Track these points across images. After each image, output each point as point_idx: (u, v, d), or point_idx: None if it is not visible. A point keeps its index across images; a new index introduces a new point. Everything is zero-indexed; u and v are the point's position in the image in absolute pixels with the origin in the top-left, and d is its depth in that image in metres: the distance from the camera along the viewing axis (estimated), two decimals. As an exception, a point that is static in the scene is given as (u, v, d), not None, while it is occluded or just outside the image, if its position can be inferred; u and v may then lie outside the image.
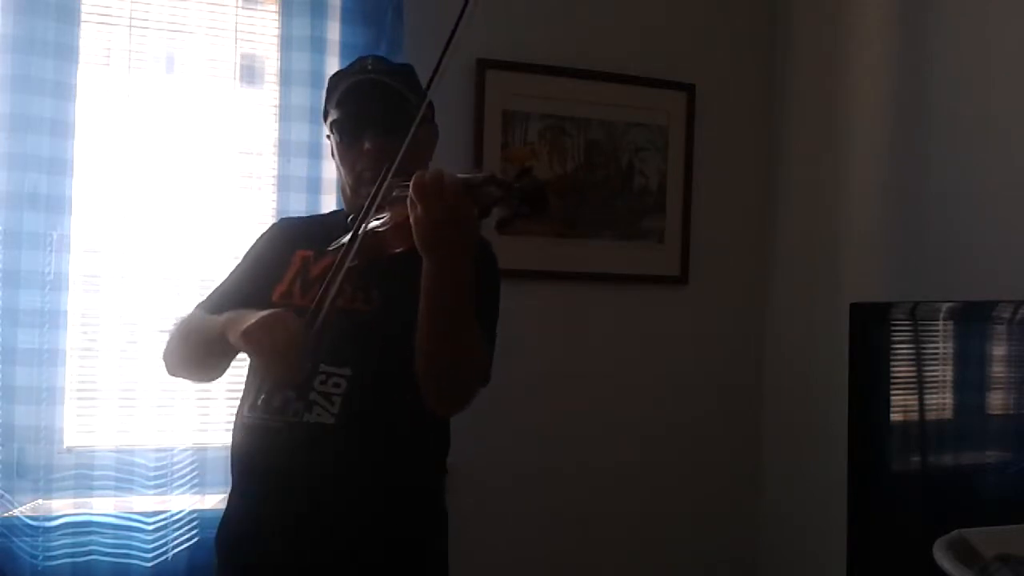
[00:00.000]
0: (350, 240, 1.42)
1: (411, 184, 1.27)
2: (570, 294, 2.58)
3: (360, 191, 1.56)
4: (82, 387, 2.16)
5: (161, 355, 1.67)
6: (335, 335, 1.47)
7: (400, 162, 1.41)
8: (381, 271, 1.46)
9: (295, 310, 1.47)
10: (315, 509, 1.48)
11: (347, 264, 1.41)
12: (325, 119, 1.66)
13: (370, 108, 1.57)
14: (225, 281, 1.72)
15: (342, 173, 1.64)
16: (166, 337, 1.68)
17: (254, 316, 1.40)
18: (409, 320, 1.36)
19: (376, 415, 1.49)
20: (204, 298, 1.72)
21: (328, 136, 1.67)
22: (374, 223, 1.43)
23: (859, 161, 2.42)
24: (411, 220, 1.27)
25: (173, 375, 1.69)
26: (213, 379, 1.68)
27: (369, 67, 1.64)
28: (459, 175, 1.27)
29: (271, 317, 1.39)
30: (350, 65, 1.73)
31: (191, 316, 1.66)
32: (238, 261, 1.74)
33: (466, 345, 1.39)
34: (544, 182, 1.25)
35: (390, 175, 1.41)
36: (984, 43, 2.06)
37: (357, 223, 1.44)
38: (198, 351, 1.59)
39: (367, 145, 1.56)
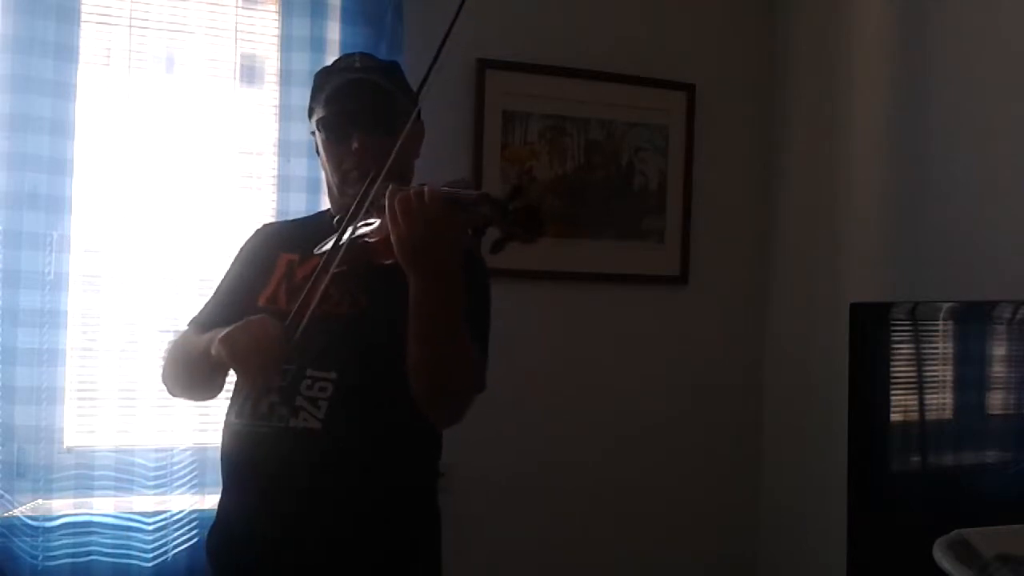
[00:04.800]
0: (337, 245, 1.41)
1: (393, 201, 1.25)
2: (570, 294, 2.58)
3: (346, 190, 1.55)
4: (82, 387, 2.16)
5: (160, 378, 1.68)
6: (321, 339, 1.47)
7: (390, 165, 1.40)
8: (368, 275, 1.45)
9: (279, 315, 1.46)
10: (304, 514, 1.47)
11: (333, 269, 1.40)
12: (310, 116, 1.65)
13: (359, 107, 1.56)
14: (214, 294, 1.72)
15: (327, 171, 1.63)
16: (161, 360, 1.69)
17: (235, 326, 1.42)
18: (396, 324, 1.35)
19: (363, 419, 1.48)
20: (195, 313, 1.71)
21: (313, 133, 1.65)
22: (363, 229, 1.41)
23: (859, 161, 2.42)
24: (392, 237, 1.26)
25: (174, 396, 1.70)
26: (212, 397, 1.67)
27: (357, 64, 1.62)
28: (446, 190, 1.24)
29: (250, 321, 1.41)
30: (336, 62, 1.71)
31: (181, 336, 1.67)
32: (225, 272, 1.73)
33: (457, 359, 1.37)
34: (539, 202, 1.19)
35: (380, 178, 1.39)
36: (984, 43, 2.06)
37: (343, 227, 1.42)
38: (189, 371, 1.59)
39: (355, 144, 1.54)
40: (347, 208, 1.46)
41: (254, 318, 1.43)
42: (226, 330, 1.42)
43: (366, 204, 1.40)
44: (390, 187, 1.31)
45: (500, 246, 1.21)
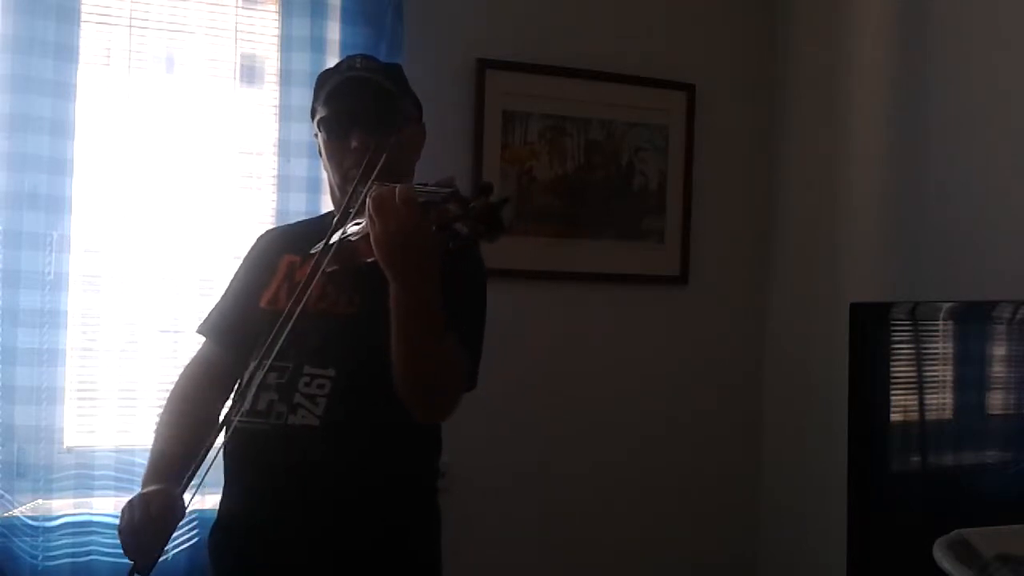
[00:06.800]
0: (327, 244, 1.42)
1: (368, 200, 1.26)
2: (570, 294, 2.58)
3: (347, 189, 1.55)
4: (82, 387, 2.16)
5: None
6: (318, 337, 1.48)
7: (383, 163, 1.40)
8: (364, 273, 1.45)
9: (278, 315, 1.46)
10: (302, 511, 1.48)
11: (325, 268, 1.40)
12: (312, 117, 1.65)
13: (358, 105, 1.56)
14: (220, 300, 1.73)
15: (329, 172, 1.64)
16: (164, 401, 1.68)
17: (146, 487, 1.46)
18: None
19: (361, 416, 1.48)
20: (202, 320, 1.72)
21: (315, 134, 1.66)
22: (352, 228, 1.42)
23: (859, 161, 2.42)
24: (371, 235, 1.27)
25: None
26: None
27: (358, 65, 1.63)
28: (417, 188, 1.25)
29: (144, 499, 1.44)
30: (338, 64, 1.72)
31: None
32: (230, 278, 1.74)
33: (436, 356, 1.37)
34: (502, 201, 1.20)
35: (372, 177, 1.40)
36: (985, 42, 2.06)
37: (335, 226, 1.43)
38: None
39: (354, 143, 1.54)
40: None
41: (150, 494, 1.45)
42: (135, 495, 1.46)
43: (357, 203, 1.41)
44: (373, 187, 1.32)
45: (461, 242, 1.22)
